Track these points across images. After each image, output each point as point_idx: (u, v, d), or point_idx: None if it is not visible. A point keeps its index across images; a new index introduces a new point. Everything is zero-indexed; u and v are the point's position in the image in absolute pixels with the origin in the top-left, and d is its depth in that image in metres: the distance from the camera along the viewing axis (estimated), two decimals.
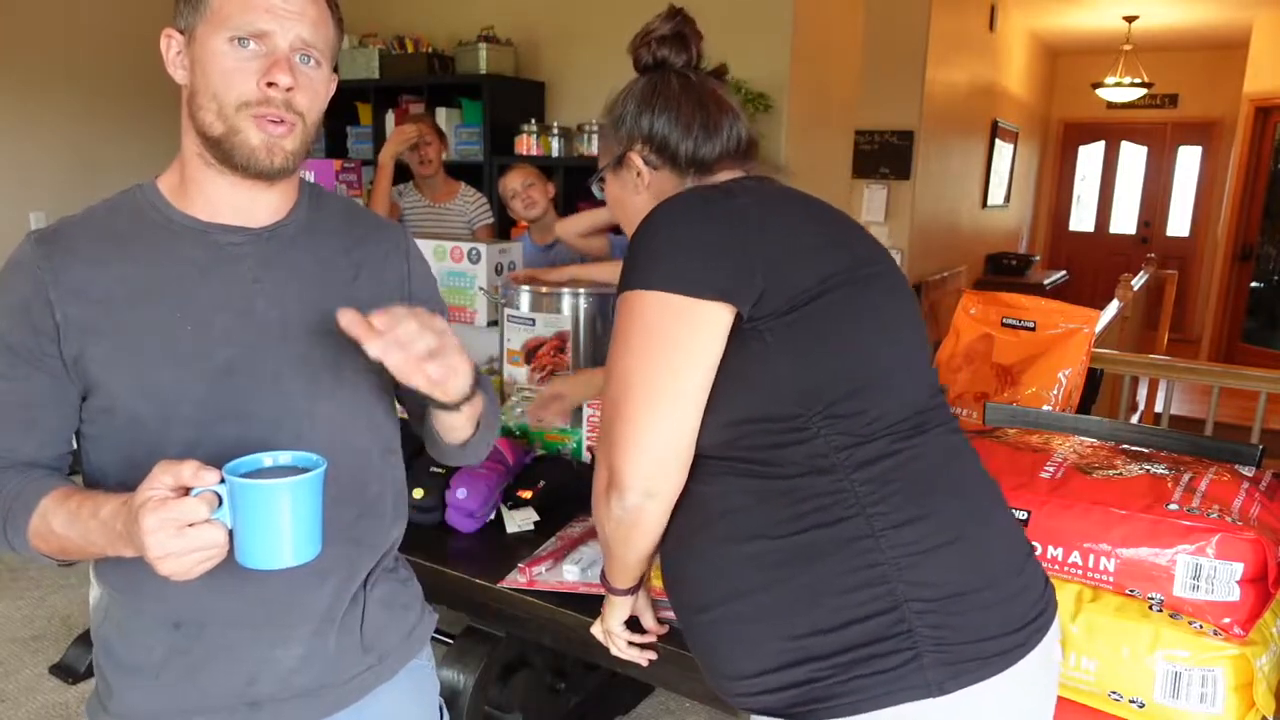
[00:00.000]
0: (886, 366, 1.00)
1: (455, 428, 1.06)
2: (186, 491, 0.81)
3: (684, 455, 0.97)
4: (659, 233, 0.99)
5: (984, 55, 6.53)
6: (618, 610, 1.18)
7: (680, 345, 0.94)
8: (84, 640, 2.61)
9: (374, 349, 0.88)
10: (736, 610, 0.97)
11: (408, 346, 0.89)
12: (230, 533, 0.82)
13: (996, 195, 7.51)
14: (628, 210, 1.19)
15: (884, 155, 5.40)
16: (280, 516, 0.82)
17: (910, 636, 0.91)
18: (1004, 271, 7.49)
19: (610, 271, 2.32)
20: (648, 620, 1.23)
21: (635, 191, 1.17)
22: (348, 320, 0.87)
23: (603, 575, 1.16)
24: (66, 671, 2.58)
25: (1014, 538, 1.04)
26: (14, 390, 0.98)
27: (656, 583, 1.29)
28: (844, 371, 0.97)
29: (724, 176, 1.13)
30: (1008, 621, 0.95)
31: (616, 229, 2.91)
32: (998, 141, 7.18)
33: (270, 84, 0.94)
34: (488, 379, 1.20)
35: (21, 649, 2.72)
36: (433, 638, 1.22)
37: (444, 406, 0.99)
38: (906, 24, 5.15)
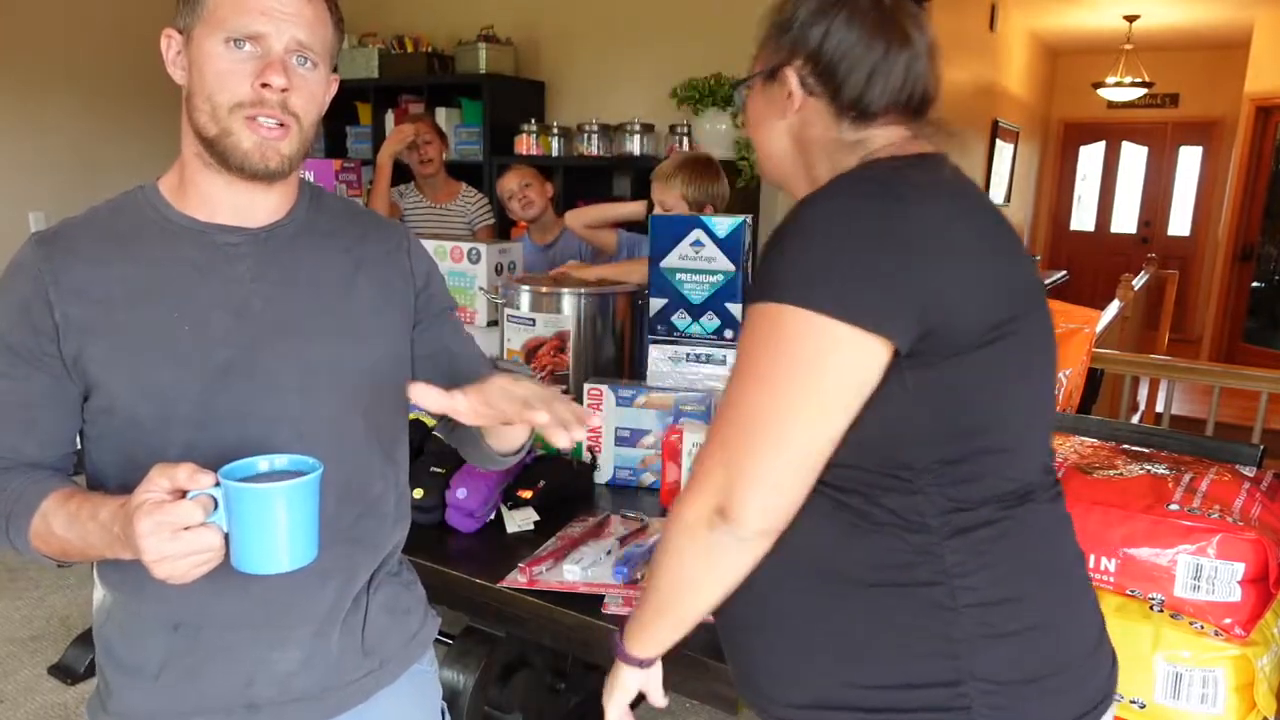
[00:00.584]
0: (1017, 436, 0.90)
1: (518, 439, 1.11)
2: (183, 495, 0.81)
3: (805, 494, 0.86)
4: (819, 239, 0.83)
5: (984, 55, 6.53)
6: (624, 685, 1.02)
7: (835, 378, 0.82)
8: (83, 640, 2.61)
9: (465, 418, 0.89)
10: (788, 636, 0.92)
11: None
12: (226, 536, 0.82)
13: (997, 195, 7.50)
14: (763, 135, 1.03)
15: None
16: (275, 521, 0.82)
17: (968, 713, 0.85)
18: None
19: (632, 271, 2.34)
20: (655, 698, 1.06)
21: (779, 115, 0.99)
22: (428, 396, 0.87)
23: (620, 635, 1.00)
24: (66, 672, 2.58)
25: (1094, 619, 0.96)
26: (14, 390, 0.98)
27: None
28: (975, 436, 0.87)
29: (885, 134, 0.95)
30: (1072, 708, 0.90)
31: (627, 225, 2.92)
32: (998, 141, 7.18)
33: (264, 85, 0.94)
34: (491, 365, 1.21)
35: (21, 649, 2.72)
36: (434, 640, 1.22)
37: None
38: None
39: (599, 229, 2.93)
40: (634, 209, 2.84)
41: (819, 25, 0.94)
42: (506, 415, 0.89)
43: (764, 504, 0.83)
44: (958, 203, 0.89)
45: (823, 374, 0.82)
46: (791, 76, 0.96)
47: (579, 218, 2.94)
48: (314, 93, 0.99)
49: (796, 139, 0.99)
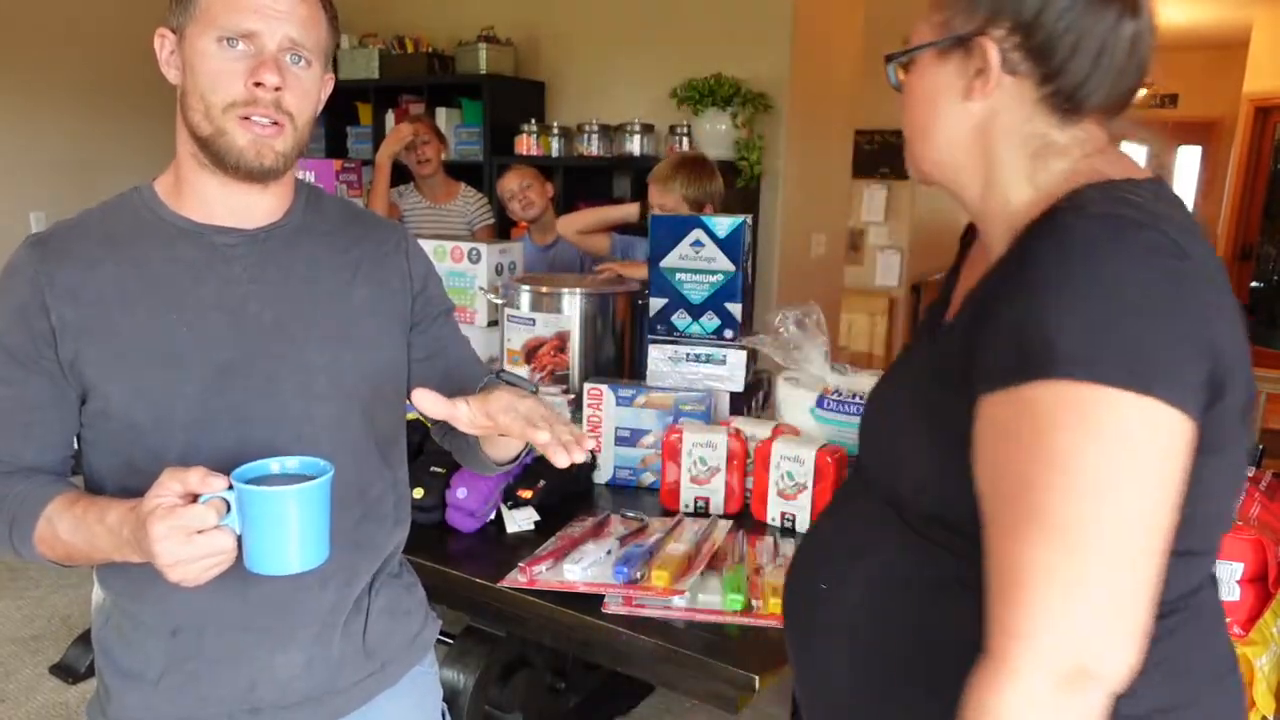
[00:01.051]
0: (1217, 536, 0.79)
1: (515, 448, 1.08)
2: (194, 498, 0.81)
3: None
4: (1105, 299, 0.65)
5: None
6: None
7: (1169, 471, 0.66)
8: (84, 640, 2.62)
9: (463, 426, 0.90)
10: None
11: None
12: (238, 538, 0.83)
13: None
14: (930, 119, 0.83)
15: (884, 155, 5.39)
16: (288, 523, 0.82)
17: None
18: None
19: None
20: None
21: (959, 97, 0.80)
22: (428, 401, 0.89)
23: None
24: (66, 671, 2.58)
25: (1244, 716, 0.85)
26: (12, 395, 0.98)
27: (659, 582, 1.29)
28: (1182, 535, 0.72)
29: (1089, 136, 0.78)
30: None
31: (621, 229, 2.92)
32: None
33: (258, 84, 0.93)
34: (488, 368, 1.21)
35: (21, 649, 2.72)
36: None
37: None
38: (907, 24, 5.12)
39: (592, 234, 2.94)
40: (627, 212, 2.85)
41: None
42: (507, 429, 0.90)
43: (1133, 640, 0.66)
44: (1213, 253, 0.73)
45: (1159, 466, 0.66)
46: (992, 50, 0.77)
47: (571, 224, 2.94)
48: (308, 91, 0.99)
49: (980, 129, 0.80)
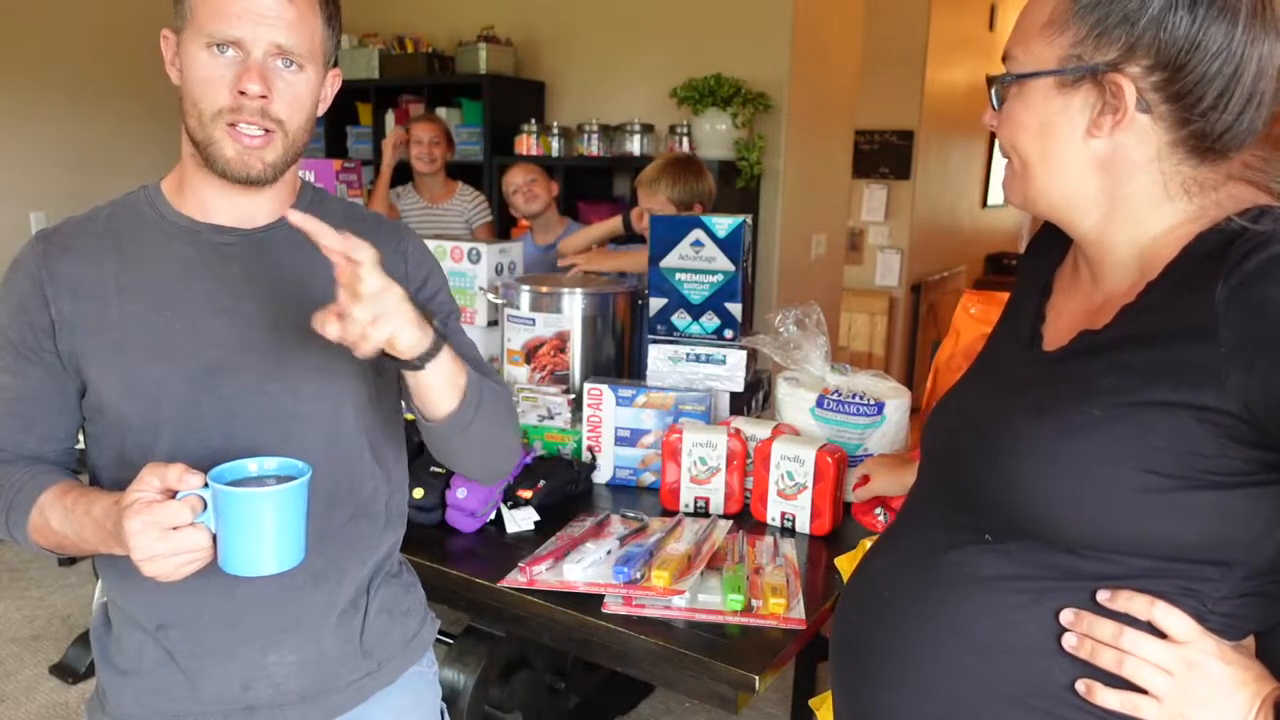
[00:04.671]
0: None
1: (431, 393, 0.93)
2: (174, 494, 0.82)
3: None
4: None
5: (984, 55, 6.53)
6: None
7: None
8: (84, 640, 2.62)
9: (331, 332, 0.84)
10: None
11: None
12: (214, 537, 0.83)
13: (996, 195, 7.51)
14: (1043, 152, 0.77)
15: (884, 155, 5.39)
16: (263, 525, 0.82)
17: None
18: (1004, 271, 7.48)
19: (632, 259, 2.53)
20: None
21: (1079, 132, 0.74)
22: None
23: None
24: (66, 671, 2.58)
25: None
26: (14, 385, 0.99)
27: (659, 582, 1.29)
28: None
29: (1229, 175, 0.74)
30: None
31: (616, 239, 2.95)
32: (998, 141, 7.18)
33: (242, 92, 0.94)
34: (492, 369, 1.17)
35: (21, 649, 2.72)
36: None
37: (410, 365, 0.90)
38: (906, 24, 5.14)
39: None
40: (613, 226, 2.89)
41: (1191, 18, 0.67)
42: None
43: None
44: None
45: None
46: (1128, 89, 0.70)
47: (573, 246, 2.98)
48: (299, 96, 0.98)
49: (1103, 163, 0.75)
